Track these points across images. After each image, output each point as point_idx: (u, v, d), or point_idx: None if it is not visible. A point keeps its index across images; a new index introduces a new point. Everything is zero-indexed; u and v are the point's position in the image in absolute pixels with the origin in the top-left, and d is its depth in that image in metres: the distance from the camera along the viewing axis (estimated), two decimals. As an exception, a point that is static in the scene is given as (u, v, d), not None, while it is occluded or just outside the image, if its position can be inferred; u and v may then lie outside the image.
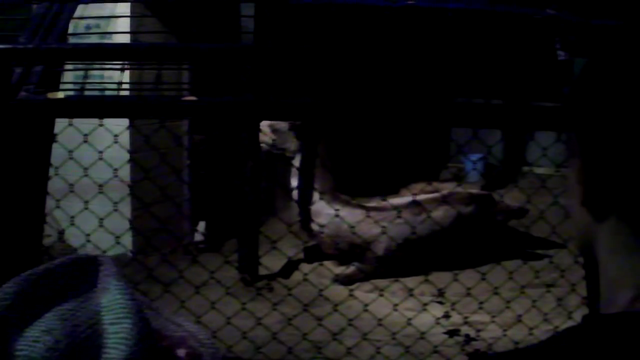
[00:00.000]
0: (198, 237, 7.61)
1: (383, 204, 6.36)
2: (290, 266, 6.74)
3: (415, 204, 6.49)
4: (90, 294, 1.15)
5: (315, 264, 6.70)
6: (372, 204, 6.75)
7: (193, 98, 2.51)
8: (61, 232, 6.13)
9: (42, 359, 1.06)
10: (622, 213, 0.90)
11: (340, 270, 6.68)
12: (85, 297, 1.15)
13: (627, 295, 0.90)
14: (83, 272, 1.17)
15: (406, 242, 6.56)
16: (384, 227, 6.28)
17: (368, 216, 6.32)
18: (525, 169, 9.60)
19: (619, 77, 0.90)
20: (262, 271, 6.57)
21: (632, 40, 0.92)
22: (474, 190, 7.19)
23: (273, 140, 7.11)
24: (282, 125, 7.01)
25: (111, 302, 1.14)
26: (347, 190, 7.24)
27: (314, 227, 6.86)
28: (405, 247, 6.60)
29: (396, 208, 6.42)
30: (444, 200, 6.59)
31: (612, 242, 0.93)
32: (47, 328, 1.09)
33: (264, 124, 6.96)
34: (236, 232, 7.09)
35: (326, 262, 6.81)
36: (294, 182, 6.96)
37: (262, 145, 7.07)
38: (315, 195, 6.57)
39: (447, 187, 7.25)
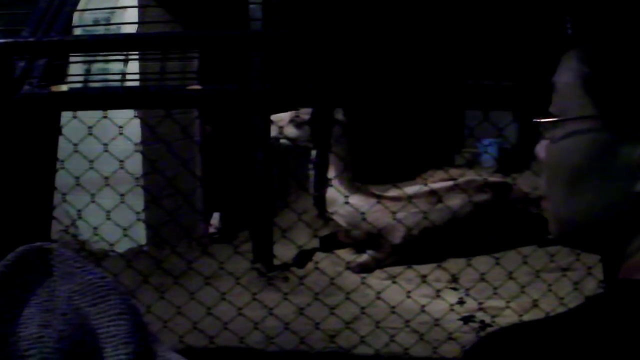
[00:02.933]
0: (212, 228, 7.60)
1: (400, 193, 6.31)
2: (305, 256, 6.71)
3: (431, 192, 6.46)
4: (55, 281, 1.15)
5: (329, 253, 6.69)
6: (389, 193, 6.70)
7: (198, 87, 2.47)
8: (72, 225, 6.12)
9: (56, 351, 1.05)
10: None
11: (353, 258, 6.65)
12: (51, 286, 1.14)
13: None
14: (37, 262, 1.17)
15: (423, 231, 6.53)
16: (400, 217, 6.26)
17: (384, 206, 6.29)
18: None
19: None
20: (277, 261, 6.56)
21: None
22: (492, 178, 7.13)
23: (297, 133, 7.06)
24: (305, 117, 6.96)
25: (84, 284, 1.13)
26: (363, 177, 7.21)
27: (331, 215, 6.83)
28: (421, 236, 6.57)
29: (413, 197, 6.40)
30: (461, 188, 6.54)
31: None
32: (42, 322, 1.08)
33: (285, 117, 6.93)
34: (250, 223, 7.07)
35: (341, 251, 6.79)
36: (331, 174, 6.88)
37: (283, 140, 7.04)
38: (333, 184, 6.51)
39: (463, 174, 7.20)
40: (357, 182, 6.95)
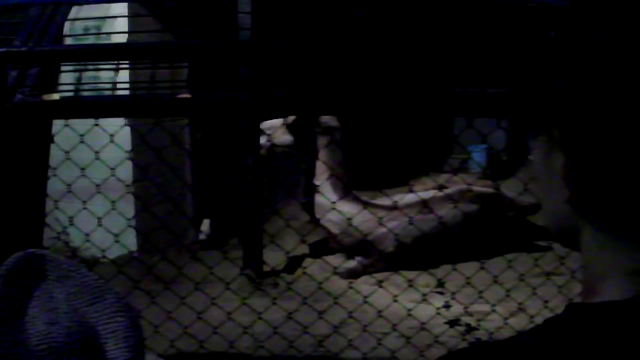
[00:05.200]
0: (202, 235, 7.63)
1: (391, 201, 6.35)
2: (295, 262, 6.75)
3: (422, 202, 6.51)
4: (52, 284, 1.21)
5: (318, 259, 6.73)
6: (380, 201, 6.72)
7: (188, 95, 2.52)
8: (63, 232, 6.15)
9: (64, 345, 1.11)
10: (611, 209, 0.91)
11: (341, 263, 6.69)
12: (49, 289, 1.20)
13: (613, 288, 0.92)
14: (34, 267, 1.23)
15: (414, 241, 6.57)
16: (392, 226, 6.30)
17: (375, 214, 6.33)
18: (532, 157, 9.58)
19: (609, 70, 0.89)
20: (266, 267, 6.60)
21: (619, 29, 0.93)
22: (482, 189, 7.16)
23: (286, 140, 7.10)
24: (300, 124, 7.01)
25: (80, 286, 1.20)
26: (353, 183, 7.24)
27: (321, 221, 6.86)
28: (412, 245, 6.61)
29: (405, 207, 6.43)
30: (452, 199, 6.59)
31: (598, 237, 0.93)
32: (48, 320, 1.14)
33: (274, 124, 6.97)
34: (239, 229, 7.11)
35: (329, 256, 6.83)
36: (319, 179, 6.89)
37: (277, 147, 7.08)
38: (325, 191, 6.54)
39: (452, 180, 7.23)
40: (347, 188, 6.98)
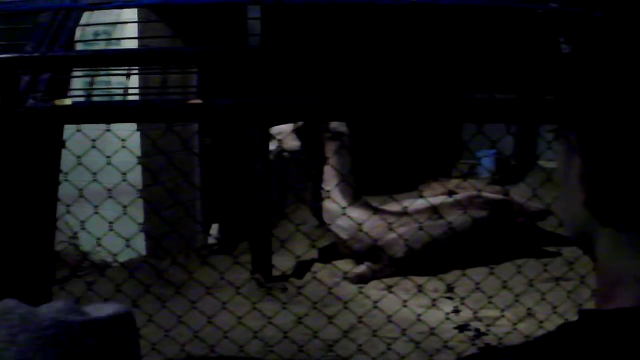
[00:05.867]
0: (211, 239, 7.65)
1: (400, 207, 6.36)
2: (304, 266, 6.77)
3: (432, 208, 6.51)
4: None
5: (327, 264, 6.74)
6: (390, 206, 6.71)
7: (199, 101, 2.53)
8: (74, 237, 6.18)
9: None
10: (626, 213, 0.91)
11: (351, 269, 6.70)
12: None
13: (628, 294, 0.91)
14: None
15: (423, 247, 6.57)
16: (402, 232, 6.31)
17: (385, 220, 6.32)
18: (542, 163, 9.58)
19: (617, 70, 0.90)
20: (276, 272, 6.61)
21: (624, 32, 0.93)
22: (492, 195, 7.16)
23: (296, 145, 7.12)
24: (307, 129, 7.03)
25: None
26: (363, 188, 7.26)
27: (330, 227, 6.86)
28: (422, 251, 6.61)
29: (414, 213, 6.43)
30: (462, 205, 6.59)
31: (614, 241, 0.94)
32: None
33: (284, 129, 6.99)
34: (249, 234, 7.12)
35: (339, 261, 6.84)
36: (328, 185, 6.87)
37: (285, 152, 7.11)
38: (335, 197, 6.54)
39: (462, 186, 7.23)
40: (357, 193, 6.99)
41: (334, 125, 6.94)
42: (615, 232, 0.94)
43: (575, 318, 0.94)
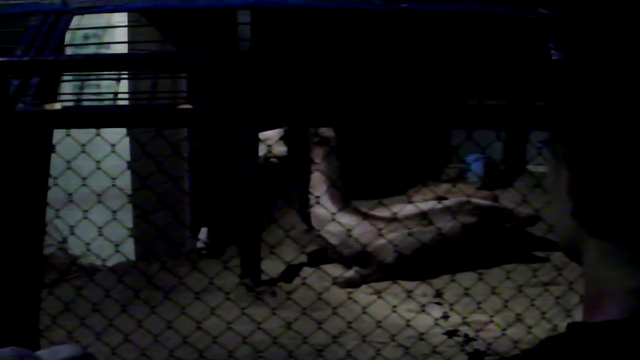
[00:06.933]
0: (200, 243, 7.64)
1: (390, 213, 6.36)
2: (292, 271, 6.76)
3: (422, 214, 6.52)
4: None
5: (316, 269, 6.73)
6: (379, 212, 6.71)
7: (188, 106, 2.53)
8: (63, 241, 6.16)
9: None
10: (614, 224, 0.91)
11: (340, 273, 6.70)
12: None
13: (615, 305, 0.92)
14: None
15: (413, 252, 6.57)
16: (391, 238, 6.31)
17: (375, 226, 6.32)
18: (531, 168, 9.60)
19: (607, 77, 0.91)
20: (265, 277, 6.61)
21: (615, 38, 0.93)
22: (482, 202, 7.16)
23: (284, 151, 7.12)
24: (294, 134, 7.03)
25: None
26: (352, 193, 7.26)
27: (319, 233, 6.86)
28: (412, 257, 6.61)
29: (404, 218, 6.43)
30: (451, 211, 6.59)
31: (602, 252, 0.94)
32: None
33: (273, 135, 6.99)
34: (238, 239, 7.12)
35: (328, 266, 6.83)
36: (319, 190, 6.85)
37: (272, 159, 7.11)
38: (324, 202, 6.52)
39: (452, 191, 7.24)
40: (346, 199, 6.99)
41: (321, 130, 6.94)
42: (602, 243, 0.94)
43: (563, 326, 0.94)
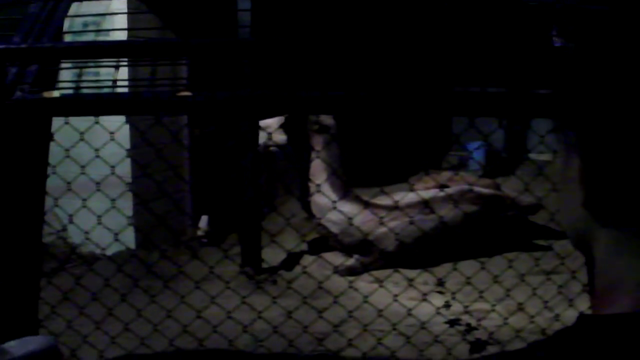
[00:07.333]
0: (200, 232, 7.63)
1: (391, 201, 6.34)
2: (293, 259, 6.75)
3: (424, 202, 6.50)
4: None
5: (317, 257, 6.72)
6: (381, 200, 6.69)
7: (188, 93, 2.50)
8: (62, 230, 6.15)
9: None
10: (627, 214, 0.89)
11: (341, 261, 6.69)
12: None
13: (627, 297, 0.90)
14: None
15: (415, 241, 6.56)
16: (393, 226, 6.30)
17: (377, 214, 6.31)
18: (532, 156, 9.58)
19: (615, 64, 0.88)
20: (265, 265, 6.60)
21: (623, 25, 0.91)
22: (484, 190, 7.15)
23: (284, 139, 7.10)
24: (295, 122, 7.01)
25: None
26: (353, 181, 7.24)
27: (320, 221, 6.84)
28: (413, 245, 6.60)
29: (405, 207, 6.42)
30: (453, 199, 6.58)
31: (614, 244, 0.92)
32: None
33: (273, 123, 6.96)
34: (238, 227, 7.11)
35: (329, 254, 6.82)
36: (319, 179, 6.81)
37: (271, 147, 7.09)
38: (325, 191, 6.50)
39: (454, 179, 7.22)
40: (347, 187, 6.97)
41: (321, 118, 6.92)
42: (615, 234, 0.91)
43: (566, 315, 0.92)
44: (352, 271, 6.58)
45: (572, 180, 0.95)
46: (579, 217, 0.95)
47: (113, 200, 3.91)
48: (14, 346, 1.26)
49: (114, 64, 2.95)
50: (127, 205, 6.07)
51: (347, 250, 6.90)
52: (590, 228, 0.94)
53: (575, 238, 1.00)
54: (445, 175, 7.71)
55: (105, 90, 3.77)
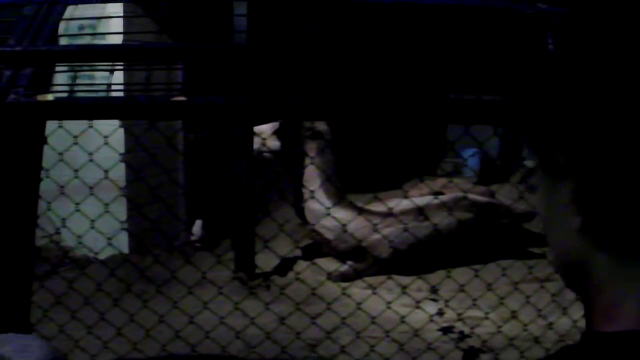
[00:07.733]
0: (194, 237, 7.61)
1: (386, 208, 6.34)
2: (287, 265, 6.74)
3: (418, 209, 6.50)
4: None
5: (311, 263, 6.72)
6: (375, 207, 6.69)
7: (183, 98, 2.50)
8: (55, 233, 6.13)
9: None
10: (627, 232, 0.88)
11: (334, 268, 6.68)
12: None
13: (629, 316, 0.89)
14: None
15: (409, 248, 6.56)
16: (387, 232, 6.29)
17: (371, 221, 6.30)
18: (527, 163, 9.59)
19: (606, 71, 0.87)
20: (259, 270, 6.58)
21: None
22: (478, 198, 7.15)
23: (279, 144, 7.09)
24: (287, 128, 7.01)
25: None
26: (347, 187, 7.24)
27: (314, 227, 6.82)
28: (407, 252, 6.60)
29: (400, 214, 6.41)
30: (448, 207, 6.57)
31: (613, 264, 0.91)
32: None
33: (267, 128, 6.95)
34: (232, 232, 7.09)
35: (322, 260, 6.81)
36: (313, 185, 6.80)
37: (265, 153, 7.07)
38: (319, 197, 6.49)
39: (448, 186, 7.22)
40: (341, 193, 6.97)
41: (315, 124, 6.91)
42: (614, 254, 0.90)
43: (559, 323, 0.92)
44: (345, 277, 6.57)
45: (562, 208, 0.93)
46: (573, 243, 0.94)
47: (106, 204, 3.91)
48: (11, 351, 1.24)
49: (109, 68, 2.95)
50: (120, 209, 6.04)
51: (341, 257, 6.89)
52: (586, 253, 0.93)
53: (567, 268, 0.98)
54: (439, 182, 7.71)
55: (100, 94, 3.76)
